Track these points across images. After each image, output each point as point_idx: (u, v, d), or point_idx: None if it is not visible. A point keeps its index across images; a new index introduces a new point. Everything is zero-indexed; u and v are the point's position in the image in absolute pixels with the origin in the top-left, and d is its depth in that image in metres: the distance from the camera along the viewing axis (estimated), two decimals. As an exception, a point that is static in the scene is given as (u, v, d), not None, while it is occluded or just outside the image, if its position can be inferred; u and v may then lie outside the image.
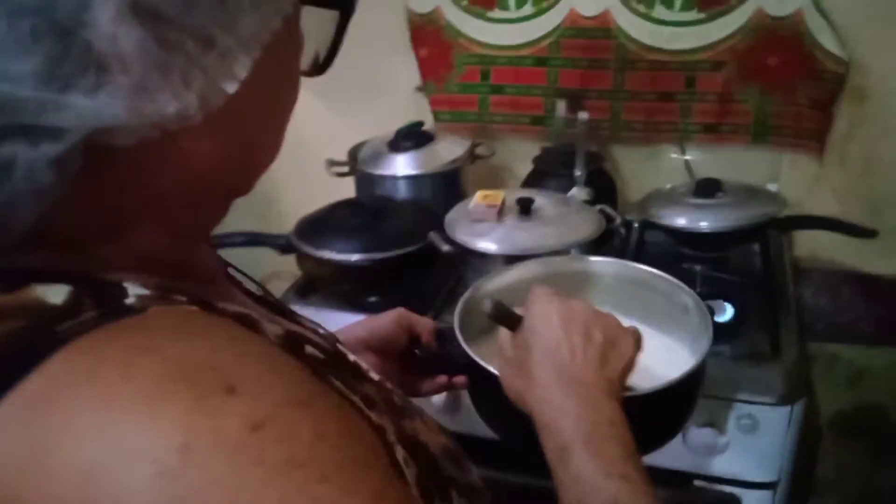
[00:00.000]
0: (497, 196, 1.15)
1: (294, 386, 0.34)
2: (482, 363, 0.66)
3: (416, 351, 0.74)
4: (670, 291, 0.80)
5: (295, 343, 0.42)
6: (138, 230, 0.39)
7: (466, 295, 0.78)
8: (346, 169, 1.42)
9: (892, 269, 1.50)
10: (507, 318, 0.62)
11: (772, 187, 1.48)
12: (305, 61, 0.44)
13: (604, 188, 1.35)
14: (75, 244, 0.37)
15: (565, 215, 1.15)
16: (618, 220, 1.18)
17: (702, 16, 1.40)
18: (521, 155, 1.56)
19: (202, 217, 0.44)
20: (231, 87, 0.36)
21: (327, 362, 0.43)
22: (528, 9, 1.50)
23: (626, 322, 0.64)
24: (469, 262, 1.11)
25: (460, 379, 0.73)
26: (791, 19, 1.35)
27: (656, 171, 1.57)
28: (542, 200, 1.17)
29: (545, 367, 0.56)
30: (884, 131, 1.41)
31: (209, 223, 0.45)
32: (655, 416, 0.67)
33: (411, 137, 1.41)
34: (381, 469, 0.35)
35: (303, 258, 1.19)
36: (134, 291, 0.36)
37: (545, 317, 0.59)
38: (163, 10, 0.32)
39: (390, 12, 1.59)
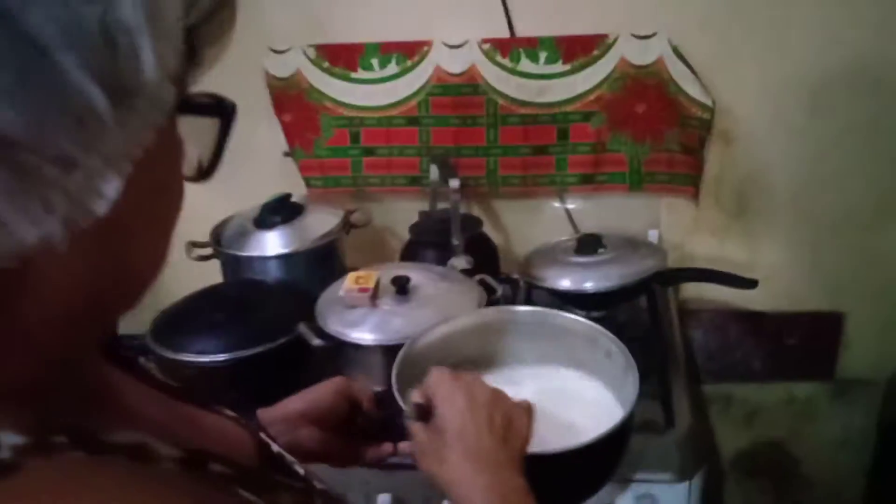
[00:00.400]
0: (370, 277, 1.07)
1: None
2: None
3: (359, 420, 0.74)
4: (593, 337, 0.85)
5: (196, 463, 0.40)
6: (1, 361, 0.35)
7: (401, 355, 0.81)
8: (209, 251, 1.31)
9: (774, 305, 1.52)
10: (424, 412, 0.66)
11: (653, 234, 1.47)
12: (188, 167, 0.42)
13: (484, 254, 1.29)
14: None
15: (444, 292, 1.08)
16: (499, 292, 1.12)
17: (567, 67, 1.38)
18: (401, 217, 1.49)
19: (81, 337, 0.39)
20: (100, 209, 0.32)
21: (236, 477, 0.41)
22: (392, 68, 1.44)
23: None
24: (344, 353, 1.02)
25: (405, 445, 0.71)
26: (654, 67, 1.35)
27: (539, 223, 1.53)
28: (418, 276, 1.10)
29: (455, 448, 0.62)
30: (751, 172, 1.42)
31: (91, 341, 0.41)
32: (588, 467, 0.73)
33: (279, 211, 1.32)
34: None
35: (161, 361, 1.07)
36: (7, 441, 0.32)
37: (451, 401, 0.65)
38: (11, 134, 0.28)
39: (249, 76, 1.50)
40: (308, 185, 1.55)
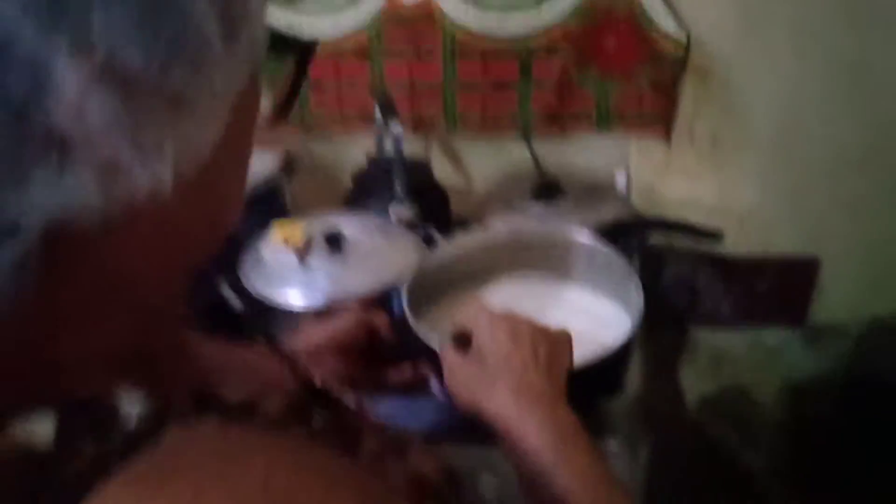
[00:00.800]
0: (296, 230, 1.00)
1: (357, 496, 0.31)
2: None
3: (379, 347, 0.75)
4: (595, 250, 0.94)
5: (294, 415, 0.40)
6: (103, 323, 0.32)
7: (411, 278, 0.85)
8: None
9: (748, 249, 1.45)
10: (462, 341, 0.66)
11: (620, 176, 1.39)
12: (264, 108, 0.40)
13: (433, 201, 1.21)
14: (31, 354, 0.30)
15: (381, 247, 1.00)
16: (442, 244, 1.05)
17: (530, -3, 1.27)
18: (354, 158, 1.40)
19: (175, 294, 0.37)
20: (206, 152, 0.31)
21: (334, 430, 0.42)
22: (341, -3, 1.32)
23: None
24: (272, 318, 0.96)
25: (425, 365, 0.73)
26: (625, -2, 1.23)
27: (502, 165, 1.44)
28: (354, 229, 1.02)
29: (501, 381, 0.60)
30: (727, 109, 1.33)
31: (178, 296, 0.38)
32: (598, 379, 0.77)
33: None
34: None
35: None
36: (127, 410, 0.32)
37: (493, 333, 0.64)
38: (138, 72, 0.26)
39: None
40: (255, 123, 1.46)
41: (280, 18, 1.35)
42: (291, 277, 0.96)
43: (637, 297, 0.83)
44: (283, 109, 0.42)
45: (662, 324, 1.49)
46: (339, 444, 0.40)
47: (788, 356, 1.51)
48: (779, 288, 1.47)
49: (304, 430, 0.40)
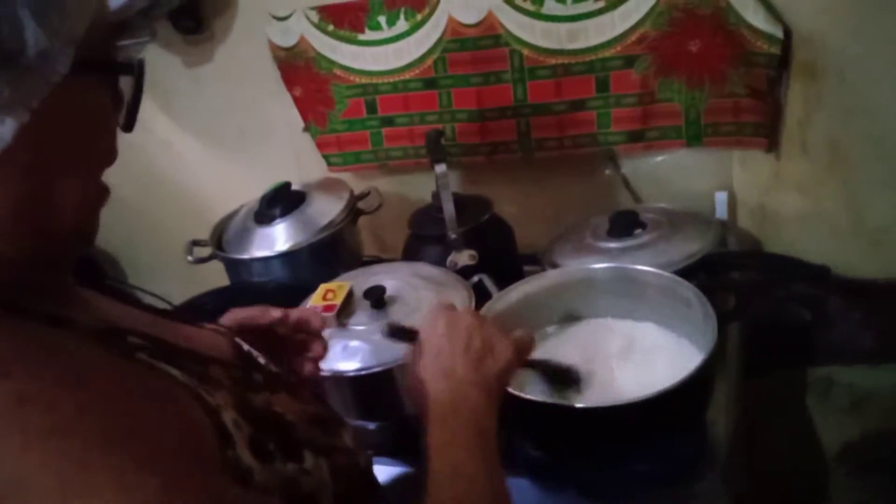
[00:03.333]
0: (341, 290, 0.94)
1: (65, 367, 0.41)
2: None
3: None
4: (671, 288, 0.88)
5: (111, 334, 0.48)
6: None
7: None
8: (209, 252, 1.22)
9: (887, 272, 1.22)
10: (402, 334, 0.73)
11: (720, 197, 1.22)
12: (122, 118, 0.50)
13: (495, 242, 1.11)
14: None
15: (427, 302, 0.92)
16: (495, 294, 0.95)
17: (600, 4, 1.14)
18: (425, 195, 1.33)
19: (23, 249, 0.46)
20: (5, 140, 0.41)
21: (151, 349, 0.49)
22: (401, 25, 1.26)
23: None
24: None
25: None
26: (708, -6, 1.08)
27: (591, 192, 1.32)
28: (400, 283, 0.95)
29: (429, 368, 0.66)
30: (847, 110, 1.12)
31: (39, 254, 0.48)
32: (671, 410, 0.75)
33: (278, 203, 1.20)
34: (166, 442, 0.40)
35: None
36: None
37: (433, 328, 0.70)
38: None
39: (257, 48, 1.37)
40: (328, 163, 1.43)
41: (346, 54, 1.31)
42: (330, 339, 0.89)
43: (711, 333, 0.78)
44: (127, 120, 0.50)
45: (773, 363, 1.29)
46: (153, 357, 0.48)
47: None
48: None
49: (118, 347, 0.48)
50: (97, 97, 0.47)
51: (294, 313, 0.76)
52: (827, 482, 1.37)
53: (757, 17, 1.05)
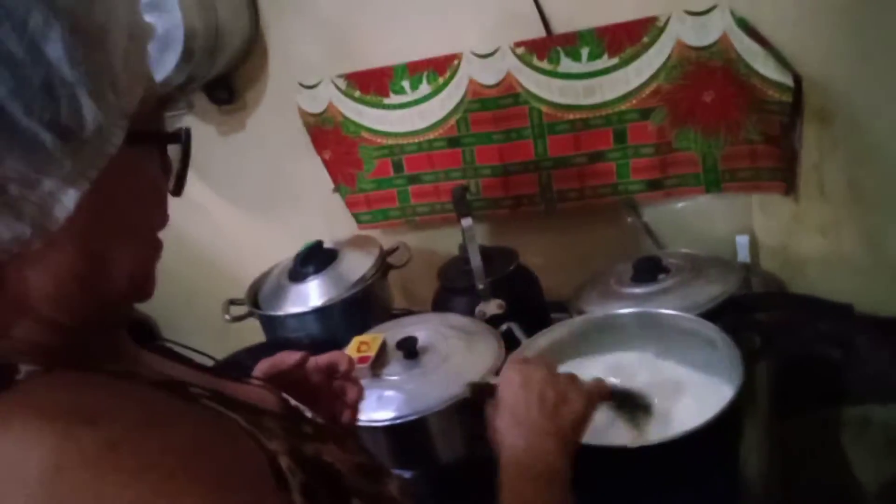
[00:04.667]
0: (374, 342, 0.97)
1: (144, 412, 0.44)
2: None
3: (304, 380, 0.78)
4: (695, 329, 0.90)
5: (174, 385, 0.51)
6: (22, 326, 0.47)
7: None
8: (245, 310, 1.27)
9: (911, 308, 1.23)
10: (483, 392, 0.78)
11: (742, 241, 1.25)
12: (171, 184, 0.53)
13: (522, 291, 1.14)
14: None
15: (457, 352, 0.95)
16: (524, 341, 0.97)
17: (614, 61, 1.19)
18: (451, 248, 1.37)
19: (84, 312, 0.49)
20: (61, 214, 0.43)
21: (212, 397, 0.52)
22: (424, 88, 1.32)
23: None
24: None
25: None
26: (717, 46, 1.13)
27: (614, 240, 1.35)
28: (430, 333, 0.99)
29: (506, 420, 0.71)
30: (860, 153, 1.15)
31: (99, 318, 0.50)
32: (704, 448, 0.77)
33: (311, 260, 1.25)
34: (240, 471, 0.44)
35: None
36: (25, 369, 0.45)
37: (510, 382, 0.74)
38: None
39: (287, 115, 1.44)
40: (358, 221, 1.48)
41: (372, 118, 1.37)
42: (365, 389, 0.92)
43: (738, 370, 0.80)
44: (176, 185, 0.53)
45: (805, 403, 1.29)
46: (218, 405, 0.50)
47: None
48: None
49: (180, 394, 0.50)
50: (149, 165, 0.50)
51: (322, 358, 0.77)
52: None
53: (767, 67, 1.10)
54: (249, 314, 1.25)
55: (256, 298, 1.28)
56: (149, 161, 0.50)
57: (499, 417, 0.72)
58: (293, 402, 0.66)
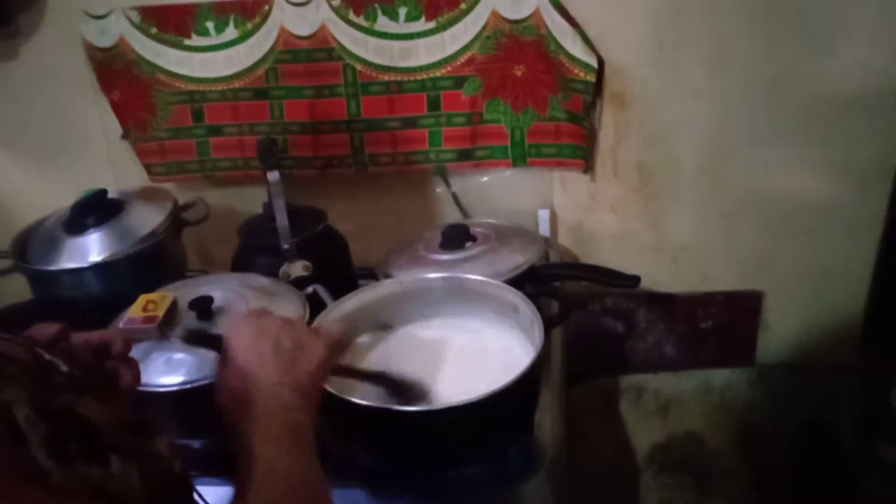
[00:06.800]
0: (163, 301, 0.88)
1: None
2: None
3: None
4: (499, 295, 0.91)
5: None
6: None
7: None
8: (9, 264, 1.11)
9: (686, 286, 1.35)
10: (204, 340, 0.73)
11: (543, 214, 1.29)
12: None
13: (330, 253, 1.10)
14: None
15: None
16: (330, 303, 0.94)
17: (431, 25, 1.18)
18: (260, 206, 1.29)
19: None
20: None
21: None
22: (231, 32, 1.22)
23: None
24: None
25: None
26: (530, 21, 1.15)
27: (424, 208, 1.34)
28: (229, 293, 0.91)
29: (238, 378, 0.66)
30: (651, 139, 1.24)
31: None
32: (504, 410, 0.78)
33: (92, 211, 1.11)
34: None
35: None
36: None
37: (238, 335, 0.69)
38: None
39: (71, 48, 1.28)
40: (150, 173, 1.35)
41: (171, 59, 1.25)
42: (148, 353, 0.84)
43: (538, 334, 0.81)
44: None
45: (593, 373, 1.38)
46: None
47: (739, 397, 1.41)
48: (723, 325, 1.37)
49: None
50: None
51: (93, 336, 0.66)
52: (637, 482, 1.48)
53: (575, 46, 1.14)
54: (14, 268, 1.09)
55: (24, 252, 1.12)
56: None
57: (227, 373, 0.66)
58: (47, 356, 0.58)
